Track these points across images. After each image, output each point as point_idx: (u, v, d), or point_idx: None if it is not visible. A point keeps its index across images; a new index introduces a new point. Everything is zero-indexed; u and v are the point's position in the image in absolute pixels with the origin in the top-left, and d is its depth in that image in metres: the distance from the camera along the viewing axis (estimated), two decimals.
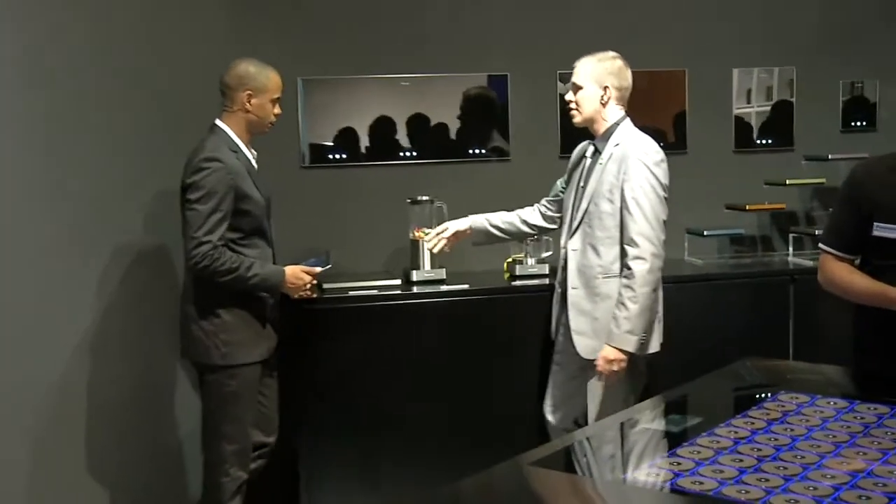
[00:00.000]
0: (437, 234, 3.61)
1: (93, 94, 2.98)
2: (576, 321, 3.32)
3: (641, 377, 3.34)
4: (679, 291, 3.87)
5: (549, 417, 3.53)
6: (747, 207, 4.49)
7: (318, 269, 3.34)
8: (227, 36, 3.97)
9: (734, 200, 4.57)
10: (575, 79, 3.33)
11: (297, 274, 3.25)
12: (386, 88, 4.34)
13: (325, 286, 3.83)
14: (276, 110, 3.22)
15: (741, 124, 4.71)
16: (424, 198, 4.05)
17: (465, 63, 4.39)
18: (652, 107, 4.52)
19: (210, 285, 3.06)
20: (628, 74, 3.33)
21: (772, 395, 2.47)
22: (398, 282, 3.94)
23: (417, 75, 4.36)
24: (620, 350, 3.15)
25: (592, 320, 3.28)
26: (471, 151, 4.45)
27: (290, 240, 3.86)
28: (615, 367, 3.17)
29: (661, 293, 3.31)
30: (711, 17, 4.64)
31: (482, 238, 3.66)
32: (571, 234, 3.35)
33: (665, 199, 3.22)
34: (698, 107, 4.63)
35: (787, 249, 4.61)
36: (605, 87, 3.28)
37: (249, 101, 3.13)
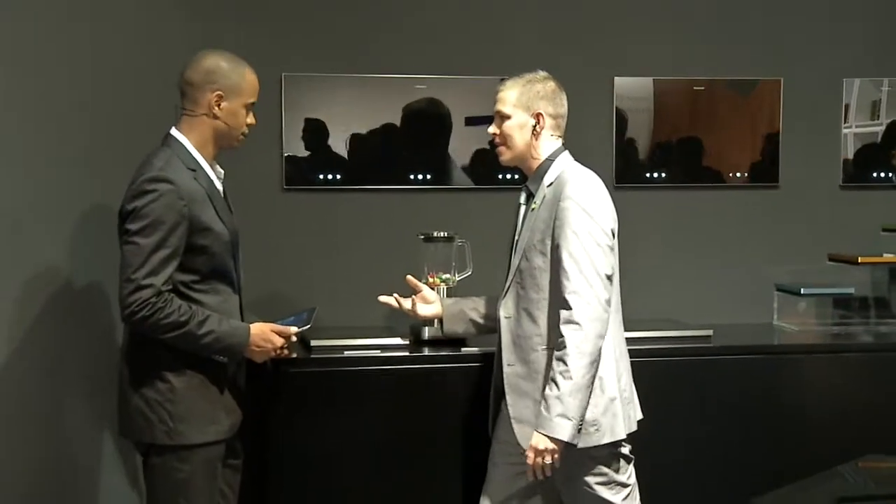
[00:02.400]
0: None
1: (3, 93, 2.87)
2: (515, 406, 3.27)
3: (626, 465, 3.28)
4: (764, 365, 3.93)
5: None
6: (859, 260, 4.42)
7: (294, 330, 3.27)
8: (184, 22, 4.05)
9: (841, 250, 4.52)
10: (499, 107, 3.34)
11: (265, 335, 3.17)
12: (395, 91, 4.33)
13: (313, 343, 3.77)
14: (250, 119, 3.18)
15: (852, 151, 4.67)
16: (442, 234, 3.99)
17: (495, 64, 4.31)
18: (733, 127, 4.54)
19: (154, 341, 2.97)
20: (564, 99, 3.37)
21: None
22: (405, 341, 3.90)
23: (437, 76, 4.35)
24: (552, 438, 3.06)
25: (534, 403, 3.21)
26: (501, 176, 4.40)
27: (265, 284, 3.94)
28: (548, 460, 3.08)
29: (624, 363, 3.28)
30: (817, 12, 4.61)
31: (460, 327, 3.70)
32: (503, 297, 3.36)
33: (609, 248, 3.17)
34: (796, 128, 4.59)
35: None
36: (538, 115, 3.30)
37: (218, 105, 3.09)
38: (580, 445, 3.10)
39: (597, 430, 3.12)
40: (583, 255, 3.09)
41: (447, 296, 3.84)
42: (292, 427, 3.64)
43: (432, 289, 3.87)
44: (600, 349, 3.10)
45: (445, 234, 3.97)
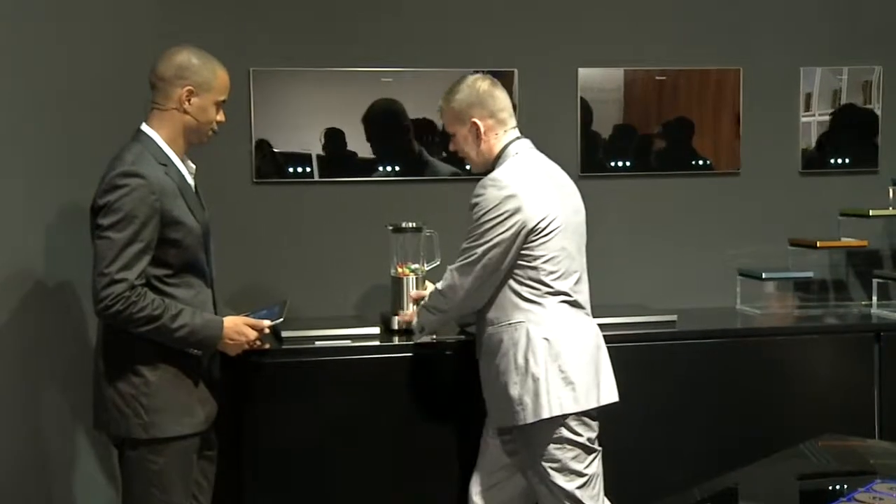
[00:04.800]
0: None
1: None
2: (483, 385, 3.38)
3: (583, 454, 3.25)
4: (728, 349, 3.96)
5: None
6: (818, 244, 4.45)
7: (267, 323, 3.28)
8: (154, 19, 3.99)
9: (801, 235, 4.54)
10: (446, 128, 3.45)
11: (238, 328, 3.17)
12: (362, 85, 4.31)
13: (284, 334, 3.77)
14: (220, 117, 3.17)
15: (810, 139, 4.66)
16: (411, 224, 3.98)
17: (461, 56, 4.34)
18: (695, 115, 4.54)
19: (128, 335, 2.95)
20: (498, 92, 3.36)
21: (865, 486, 2.50)
22: (376, 330, 3.90)
23: (403, 69, 4.33)
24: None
25: (487, 383, 3.34)
26: (469, 167, 4.30)
27: (236, 277, 3.95)
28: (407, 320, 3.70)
29: (571, 350, 3.20)
30: (775, 3, 4.61)
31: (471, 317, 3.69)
32: None
33: (508, 241, 3.18)
34: (756, 116, 4.59)
35: (870, 298, 4.53)
36: (473, 122, 3.32)
37: (188, 100, 3.08)
38: (518, 423, 3.19)
39: (522, 409, 3.16)
40: (468, 249, 3.20)
41: (417, 286, 3.84)
42: (265, 417, 3.62)
43: (401, 278, 3.87)
44: (452, 316, 3.41)
45: (414, 225, 3.95)
